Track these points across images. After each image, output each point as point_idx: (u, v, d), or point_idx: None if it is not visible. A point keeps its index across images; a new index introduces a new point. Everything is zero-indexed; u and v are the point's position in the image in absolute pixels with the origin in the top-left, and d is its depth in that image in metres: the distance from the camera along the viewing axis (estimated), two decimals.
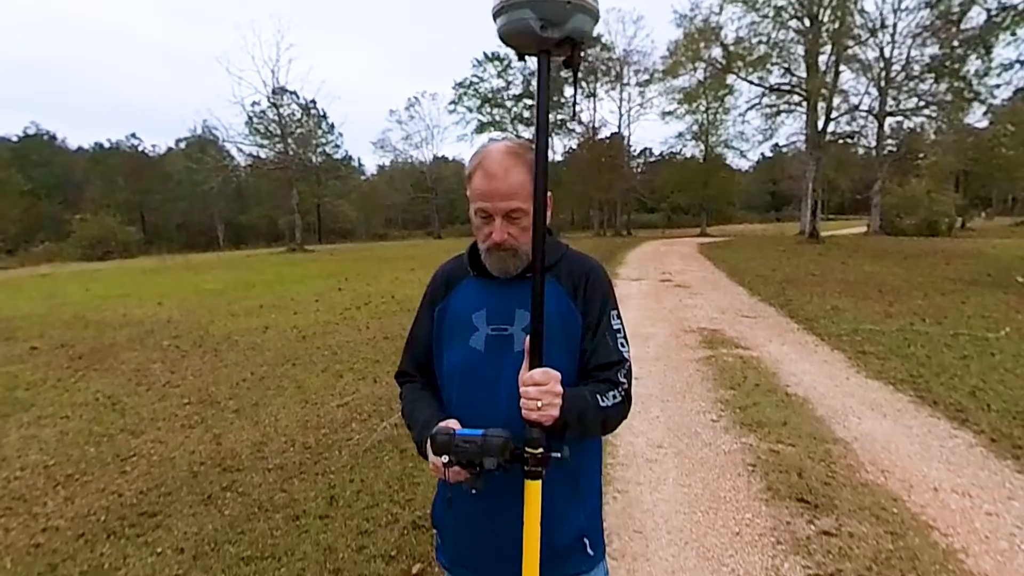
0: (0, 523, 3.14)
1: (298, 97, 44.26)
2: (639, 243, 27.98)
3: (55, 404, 5.10)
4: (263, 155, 37.52)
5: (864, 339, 6.49)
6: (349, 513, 3.09)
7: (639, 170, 51.62)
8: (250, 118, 36.69)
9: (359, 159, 62.26)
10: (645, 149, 55.20)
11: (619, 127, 43.16)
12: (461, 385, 1.20)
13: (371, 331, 7.92)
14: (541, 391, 1.01)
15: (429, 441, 1.05)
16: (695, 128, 40.32)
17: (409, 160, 55.53)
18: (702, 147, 41.92)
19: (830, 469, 3.35)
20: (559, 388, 1.03)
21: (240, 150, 40.69)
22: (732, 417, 4.24)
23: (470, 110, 45.22)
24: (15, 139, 48.10)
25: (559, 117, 44.38)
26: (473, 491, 1.03)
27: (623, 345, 1.21)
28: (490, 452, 1.00)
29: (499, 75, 44.42)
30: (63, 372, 6.09)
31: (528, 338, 1.05)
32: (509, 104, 45.28)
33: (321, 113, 48.11)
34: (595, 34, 1.02)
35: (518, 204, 1.11)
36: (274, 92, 38.04)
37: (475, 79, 44.75)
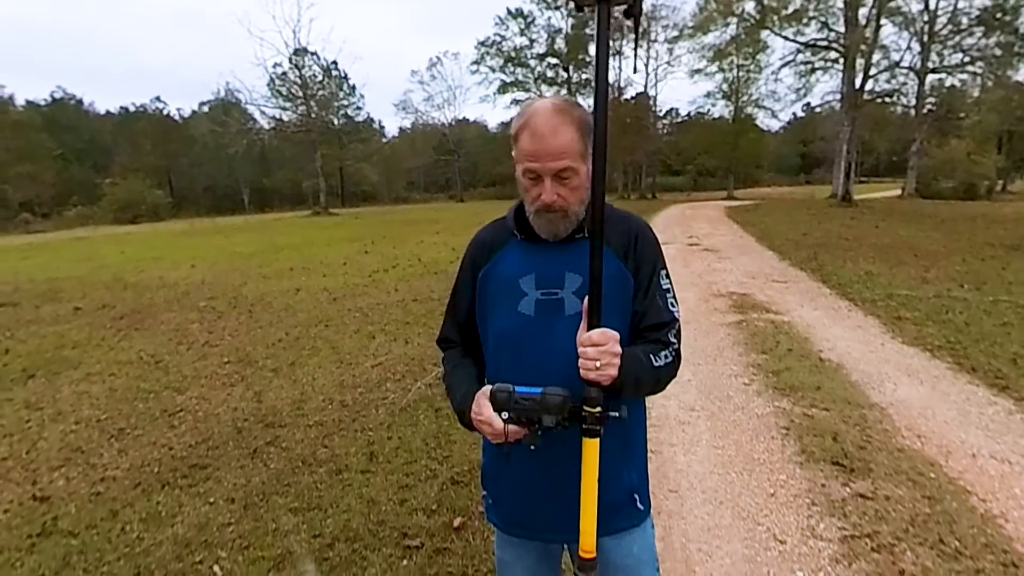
0: (62, 472, 3.32)
1: (319, 58, 43.91)
2: (664, 206, 27.54)
3: (102, 362, 5.31)
4: (285, 118, 37.57)
5: (899, 304, 6.36)
6: (389, 468, 3.19)
7: (665, 131, 50.38)
8: (272, 80, 36.63)
9: (380, 121, 61.66)
10: (672, 109, 53.74)
11: (645, 87, 41.86)
12: (512, 351, 1.19)
13: (400, 293, 8.01)
14: (600, 351, 1.01)
15: (489, 397, 1.06)
16: (725, 87, 39.05)
17: (431, 122, 54.94)
18: (731, 107, 40.63)
19: (865, 434, 3.34)
20: (618, 348, 1.03)
21: (263, 113, 40.86)
22: (764, 381, 4.23)
23: (492, 70, 44.36)
24: (43, 104, 48.61)
25: (583, 76, 43.35)
26: (532, 447, 1.05)
27: (673, 305, 1.21)
28: (549, 409, 1.02)
29: (522, 33, 43.37)
30: (106, 332, 6.32)
31: (586, 299, 1.05)
32: (532, 63, 44.23)
33: (343, 74, 47.77)
34: None
35: (568, 163, 1.09)
36: (295, 53, 37.76)
37: (497, 38, 43.76)
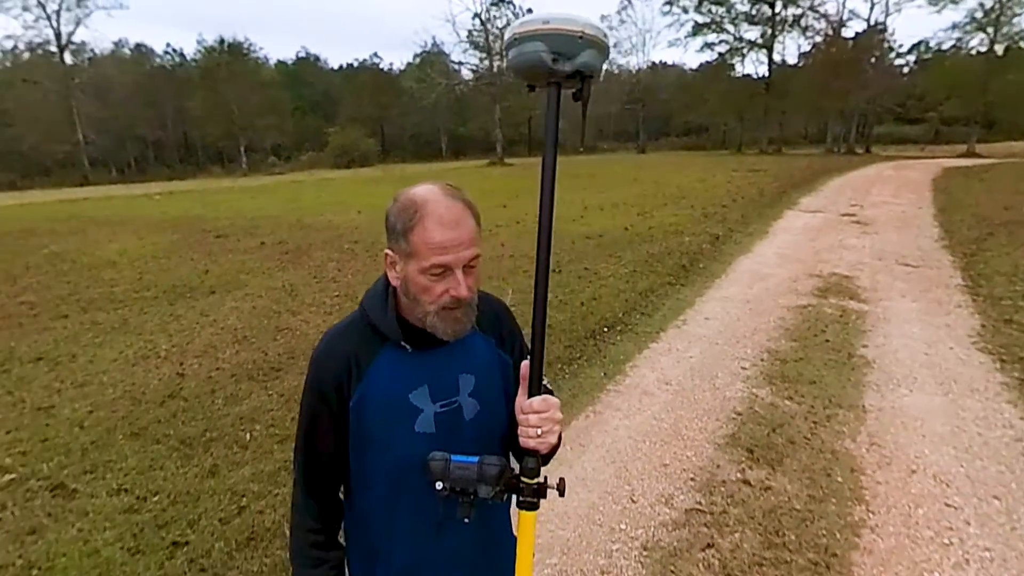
0: (196, 360, 4.83)
1: (514, 7, 45.34)
2: (865, 164, 24.08)
3: (258, 287, 7.05)
4: (479, 68, 39.93)
5: None
6: None
7: (906, 71, 42.59)
8: (469, 32, 38.94)
9: None
10: (920, 42, 44.42)
11: (868, 20, 35.66)
12: (409, 477, 1.05)
13: (507, 249, 8.80)
14: (542, 419, 0.96)
15: (424, 467, 0.98)
16: (979, 15, 31.52)
17: (621, 68, 53.60)
18: (987, 40, 32.78)
19: (812, 431, 3.34)
20: (559, 415, 0.99)
21: (461, 64, 43.93)
22: (765, 368, 4.23)
23: (685, 10, 41.38)
24: (289, 62, 57.81)
25: (792, 12, 38.36)
26: (466, 520, 0.97)
27: (543, 377, 1.16)
28: (486, 480, 0.96)
29: None
30: (272, 263, 8.21)
31: (525, 364, 0.99)
32: (735, 0, 40.18)
33: None
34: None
35: (476, 250, 1.00)
36: (493, 4, 39.65)
37: None
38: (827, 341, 4.69)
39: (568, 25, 0.89)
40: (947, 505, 2.70)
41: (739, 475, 2.96)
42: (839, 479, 2.90)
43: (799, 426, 3.40)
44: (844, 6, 37.01)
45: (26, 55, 40.00)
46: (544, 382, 1.03)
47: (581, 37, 0.90)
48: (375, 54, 72.54)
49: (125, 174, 41.91)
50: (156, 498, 2.96)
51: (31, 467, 3.26)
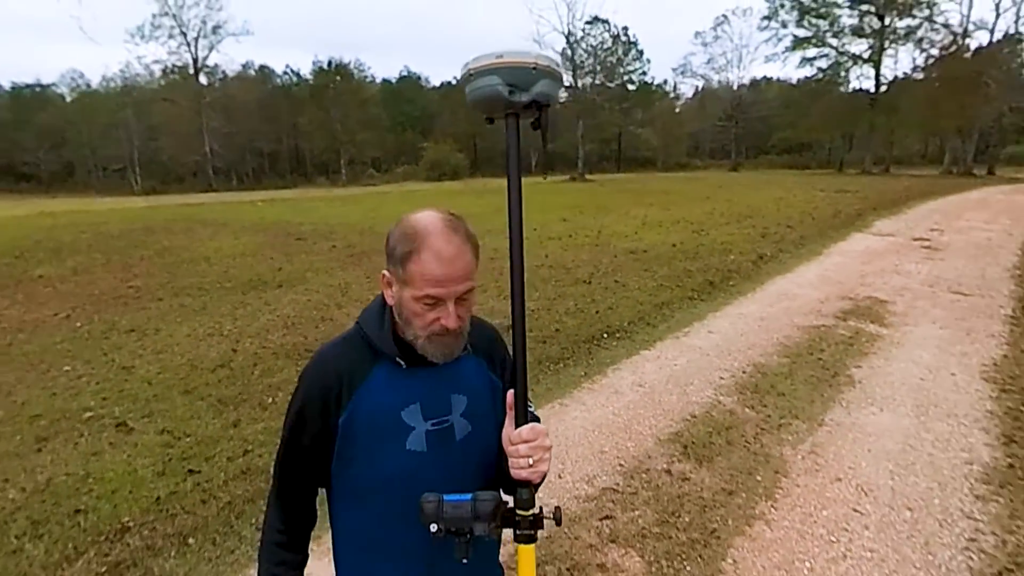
0: (249, 340, 5.68)
1: (609, 26, 46.09)
2: (976, 187, 22.16)
3: (318, 284, 7.97)
4: (571, 86, 40.81)
5: None
6: None
7: None
8: (562, 51, 39.95)
9: (675, 84, 61.23)
10: None
11: (992, 31, 32.62)
12: (397, 494, 1.05)
13: (550, 260, 9.24)
14: (532, 447, 0.95)
15: (418, 508, 0.95)
16: None
17: (721, 84, 52.55)
18: None
19: (757, 437, 3.52)
20: (549, 442, 0.99)
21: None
22: (742, 379, 4.39)
23: (784, 25, 39.84)
24: (393, 81, 61.67)
25: (904, 24, 35.87)
26: (464, 561, 0.95)
27: (530, 403, 1.15)
28: (481, 517, 0.94)
29: None
30: (336, 264, 9.17)
31: (511, 393, 1.00)
32: (837, 12, 38.23)
33: (632, 39, 49.08)
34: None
35: (471, 284, 1.01)
36: (588, 22, 40.75)
37: None
38: (820, 360, 4.74)
39: (521, 58, 0.94)
40: (854, 510, 2.84)
41: (665, 466, 3.24)
42: (759, 478, 3.10)
43: (745, 431, 3.59)
44: (968, 17, 33.72)
45: (169, 77, 45.83)
46: (530, 408, 1.05)
47: (535, 68, 0.94)
48: None
49: (244, 183, 46.73)
50: (188, 439, 3.70)
51: (107, 409, 4.15)
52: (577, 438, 3.58)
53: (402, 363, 1.05)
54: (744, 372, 4.53)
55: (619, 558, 2.52)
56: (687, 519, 2.78)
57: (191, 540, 2.72)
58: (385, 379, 1.06)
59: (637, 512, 2.83)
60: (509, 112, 0.97)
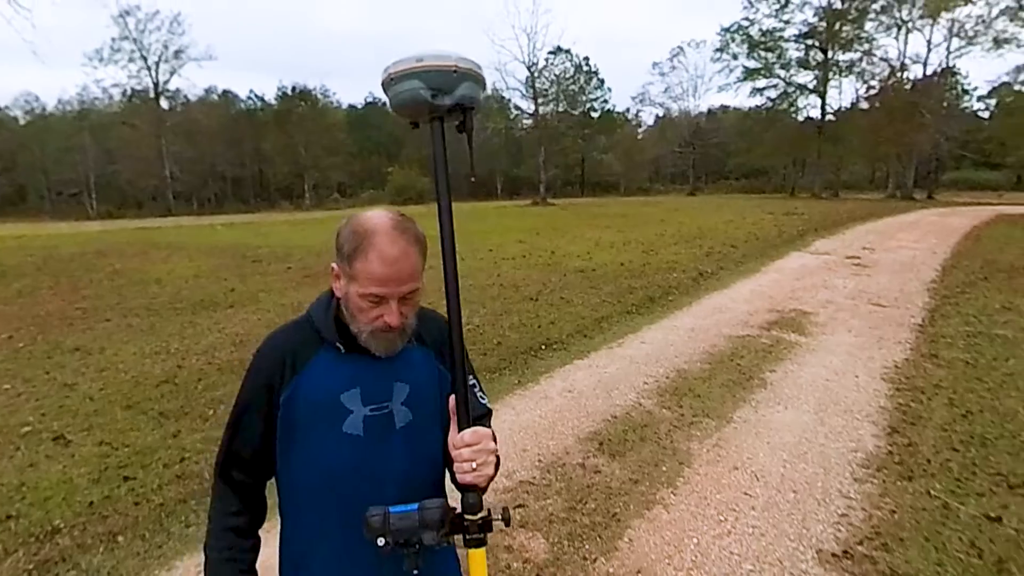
0: (195, 357, 5.75)
1: (571, 56, 47.72)
2: (914, 210, 23.46)
3: (270, 303, 8.06)
4: (534, 114, 42.00)
5: (969, 343, 5.58)
6: None
7: (979, 115, 41.40)
8: (526, 80, 41.09)
9: (637, 112, 63.30)
10: (1002, 84, 42.83)
11: (924, 64, 34.94)
12: (337, 482, 1.07)
13: (502, 279, 9.52)
14: (475, 451, 0.96)
15: (363, 524, 0.93)
16: None
17: (680, 112, 54.73)
18: None
19: (669, 433, 3.81)
20: (493, 445, 0.99)
21: (519, 110, 46.65)
22: (664, 384, 4.70)
23: (735, 57, 41.86)
24: (359, 106, 62.06)
25: (845, 56, 38.12)
26: (415, 572, 0.94)
27: (483, 397, 1.21)
28: (429, 526, 0.92)
29: (776, 14, 39.84)
30: (289, 284, 9.27)
31: (453, 398, 1.00)
32: (784, 46, 40.39)
33: (592, 69, 50.84)
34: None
35: (415, 285, 1.03)
36: (551, 52, 42.14)
37: (745, 22, 41.06)
38: (738, 365, 5.09)
39: (441, 61, 0.93)
40: (745, 494, 3.13)
41: (580, 461, 3.49)
42: (664, 469, 3.38)
43: (659, 429, 3.88)
44: (904, 53, 36.07)
45: (129, 101, 45.24)
46: (483, 400, 1.10)
47: (455, 71, 0.93)
48: None
49: (205, 207, 46.05)
50: (127, 449, 3.79)
51: (45, 423, 4.19)
52: (503, 439, 3.79)
53: (341, 348, 1.08)
54: (667, 377, 4.85)
55: (526, 540, 2.75)
56: (592, 506, 3.02)
57: (120, 538, 2.83)
58: (328, 363, 1.08)
59: (548, 500, 3.07)
60: (433, 116, 0.97)
